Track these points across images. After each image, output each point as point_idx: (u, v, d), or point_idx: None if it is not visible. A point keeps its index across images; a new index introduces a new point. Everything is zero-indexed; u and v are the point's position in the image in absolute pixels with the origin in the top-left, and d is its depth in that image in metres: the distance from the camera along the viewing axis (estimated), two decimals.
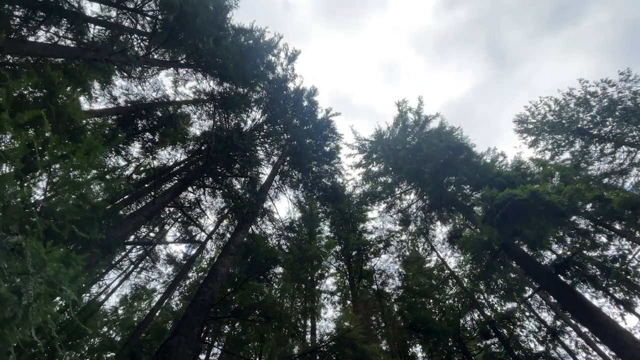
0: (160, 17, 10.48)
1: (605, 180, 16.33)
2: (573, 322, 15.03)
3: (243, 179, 14.85)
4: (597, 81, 16.33)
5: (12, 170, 3.34)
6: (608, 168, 16.53)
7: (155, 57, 12.60)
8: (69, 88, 7.17)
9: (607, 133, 16.39)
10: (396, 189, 20.11)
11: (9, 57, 9.01)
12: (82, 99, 10.95)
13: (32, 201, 3.97)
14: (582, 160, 17.02)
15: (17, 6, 9.38)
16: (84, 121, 6.39)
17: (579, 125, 17.08)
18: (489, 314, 15.81)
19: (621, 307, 13.08)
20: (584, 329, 14.71)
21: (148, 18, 11.36)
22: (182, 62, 12.98)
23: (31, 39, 10.03)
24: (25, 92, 6.13)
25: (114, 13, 11.26)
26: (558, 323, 15.05)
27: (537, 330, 14.95)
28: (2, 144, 3.79)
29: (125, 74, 12.84)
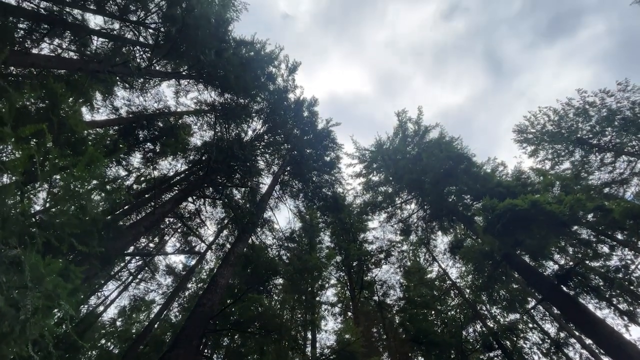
0: (162, 29, 10.62)
1: (606, 189, 16.30)
2: (577, 333, 14.83)
3: (243, 189, 14.84)
4: (596, 91, 16.43)
5: (12, 181, 3.34)
6: (608, 178, 16.51)
7: (157, 68, 12.73)
8: (71, 99, 7.23)
9: (607, 143, 16.42)
10: (397, 199, 20.08)
11: (12, 68, 9.10)
12: (84, 109, 11.05)
13: (32, 212, 3.96)
14: (583, 170, 17.01)
15: (22, 19, 9.52)
16: (86, 132, 6.42)
17: (579, 135, 17.13)
18: (491, 325, 15.62)
19: (625, 318, 12.92)
20: (588, 341, 14.50)
21: (151, 30, 11.51)
22: (183, 73, 13.10)
23: (34, 50, 10.15)
24: (28, 104, 6.18)
25: (117, 25, 11.41)
26: (562, 335, 14.85)
27: (540, 342, 14.74)
28: (4, 154, 3.80)
29: (127, 85, 12.95)
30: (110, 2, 10.16)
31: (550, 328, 15.74)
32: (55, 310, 3.07)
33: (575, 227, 11.76)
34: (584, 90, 16.80)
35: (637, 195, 15.34)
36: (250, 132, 16.37)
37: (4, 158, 3.65)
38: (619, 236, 11.89)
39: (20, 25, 9.77)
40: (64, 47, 10.88)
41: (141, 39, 11.76)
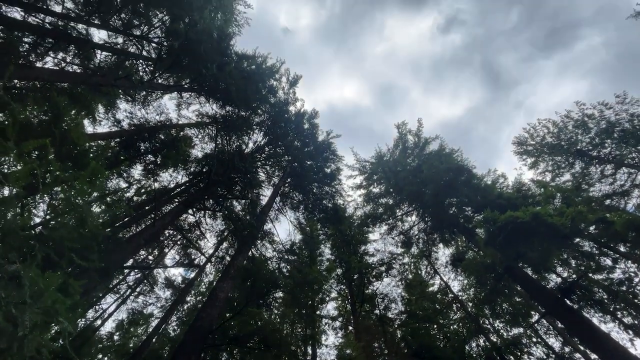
0: (165, 43, 10.78)
1: (607, 201, 16.26)
2: (582, 348, 14.56)
3: (244, 200, 14.82)
4: (594, 104, 16.57)
5: (13, 193, 3.34)
6: (609, 189, 16.50)
7: (160, 81, 12.88)
8: (73, 112, 7.28)
9: (607, 154, 16.46)
10: (397, 211, 20.02)
11: (16, 82, 9.21)
12: (86, 122, 11.14)
13: (32, 224, 3.95)
14: (583, 182, 17.01)
15: (27, 33, 9.67)
16: (87, 145, 6.45)
17: (578, 147, 17.19)
18: (494, 339, 15.36)
19: (630, 332, 12.72)
20: (593, 356, 14.23)
21: (154, 44, 11.68)
22: (185, 86, 13.24)
23: (39, 64, 10.29)
24: (31, 116, 6.22)
25: (120, 40, 11.60)
26: (566, 349, 14.58)
27: (545, 357, 14.45)
28: (5, 166, 3.81)
29: (129, 98, 13.08)
30: (115, 17, 10.35)
31: (555, 342, 15.46)
32: (53, 324, 3.02)
33: (577, 240, 11.70)
34: (582, 103, 16.95)
35: (639, 207, 15.30)
36: (251, 144, 16.46)
37: (6, 170, 3.66)
38: (622, 248, 11.81)
39: (25, 39, 9.93)
40: (68, 60, 11.03)
41: (144, 53, 11.93)
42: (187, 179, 14.64)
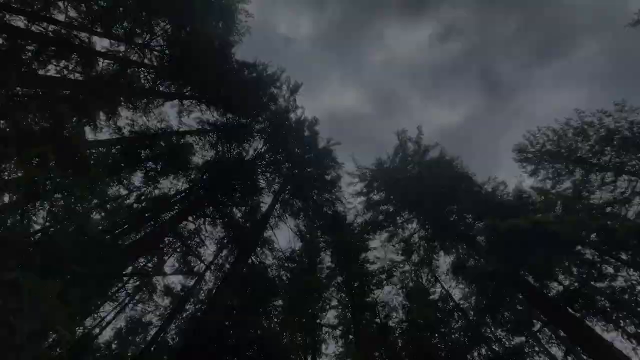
0: (167, 52, 10.88)
1: (608, 209, 16.21)
2: (584, 357, 14.39)
3: (244, 208, 14.80)
4: (594, 111, 16.63)
5: (13, 200, 3.33)
6: (610, 197, 16.46)
7: (161, 89, 12.95)
8: (75, 119, 7.31)
9: (607, 162, 16.46)
10: (398, 218, 19.96)
11: (19, 89, 9.26)
12: (87, 129, 11.16)
13: (32, 231, 3.93)
14: (584, 189, 16.96)
15: (30, 41, 9.76)
16: (88, 152, 6.46)
17: (578, 155, 17.20)
18: (496, 348, 15.18)
19: (633, 341, 12.57)
20: None
21: (155, 53, 11.78)
22: (187, 93, 13.32)
23: (41, 72, 10.35)
24: (33, 124, 6.24)
25: (122, 48, 11.69)
26: (569, 358, 14.41)
27: None
28: (6, 173, 3.81)
29: (130, 106, 13.12)
30: (117, 25, 10.46)
31: (557, 351, 15.29)
32: (51, 332, 2.99)
33: (579, 247, 11.64)
34: (581, 111, 17.02)
35: None
36: (251, 151, 16.52)
37: (7, 177, 3.66)
38: (623, 256, 11.73)
39: (28, 47, 10.00)
40: (70, 68, 11.09)
41: (146, 61, 12.02)
42: (187, 186, 14.63)
